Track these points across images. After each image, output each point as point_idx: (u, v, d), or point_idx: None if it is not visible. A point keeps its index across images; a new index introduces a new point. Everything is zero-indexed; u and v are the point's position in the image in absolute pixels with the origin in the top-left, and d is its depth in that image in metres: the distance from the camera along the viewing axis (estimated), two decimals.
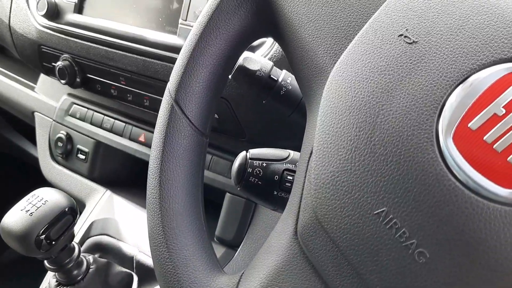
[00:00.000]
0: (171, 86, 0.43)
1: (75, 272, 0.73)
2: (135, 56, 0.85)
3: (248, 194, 0.51)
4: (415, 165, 0.29)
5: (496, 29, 0.29)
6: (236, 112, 0.77)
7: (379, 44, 0.32)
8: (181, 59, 0.43)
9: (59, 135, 1.10)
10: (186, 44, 0.43)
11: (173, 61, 0.80)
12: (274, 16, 0.41)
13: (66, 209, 0.69)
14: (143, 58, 0.84)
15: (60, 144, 1.09)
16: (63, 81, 0.96)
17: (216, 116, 0.81)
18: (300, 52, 0.39)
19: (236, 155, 0.51)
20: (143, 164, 1.00)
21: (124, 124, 1.02)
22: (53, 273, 0.74)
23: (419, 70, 0.30)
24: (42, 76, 1.20)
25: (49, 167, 1.13)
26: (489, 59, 0.29)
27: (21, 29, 1.03)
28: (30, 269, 1.17)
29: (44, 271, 0.90)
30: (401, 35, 0.32)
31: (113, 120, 1.03)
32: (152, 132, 0.97)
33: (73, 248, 0.73)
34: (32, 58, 1.06)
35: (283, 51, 0.43)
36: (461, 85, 0.29)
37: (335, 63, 0.35)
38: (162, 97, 0.81)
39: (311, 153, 0.35)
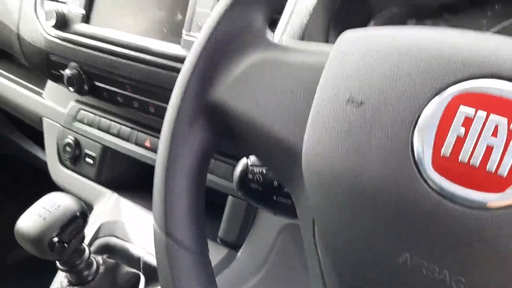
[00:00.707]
0: (157, 222, 0.44)
1: (85, 272, 0.77)
2: (140, 65, 0.88)
3: (250, 200, 0.54)
4: (417, 207, 0.31)
5: (428, 64, 0.32)
6: None
7: (334, 112, 0.35)
8: (157, 189, 0.43)
9: (68, 140, 1.13)
10: (156, 175, 0.44)
11: (177, 70, 0.83)
12: (228, 122, 0.43)
13: (78, 213, 0.73)
14: (148, 67, 0.87)
15: (68, 149, 1.13)
16: (71, 89, 1.00)
17: None
18: (264, 143, 0.40)
19: (237, 159, 0.54)
20: (149, 168, 1.04)
21: (130, 129, 1.05)
22: (64, 273, 0.78)
23: (377, 125, 0.33)
24: (50, 82, 1.24)
25: (58, 171, 1.17)
26: (431, 92, 0.31)
27: (29, 38, 1.07)
28: (38, 269, 1.21)
29: (52, 271, 0.93)
30: (348, 100, 0.34)
31: (119, 125, 1.07)
32: (157, 138, 1.01)
33: (84, 250, 0.77)
34: (40, 66, 1.10)
35: (245, 151, 0.44)
36: (417, 125, 0.32)
37: (302, 139, 0.37)
38: (166, 103, 0.84)
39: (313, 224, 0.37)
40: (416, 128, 0.31)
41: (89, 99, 1.13)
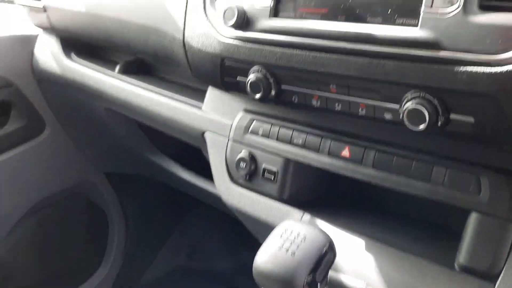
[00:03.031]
0: None
1: None
2: (357, 58, 0.72)
3: None
4: None
5: None
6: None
7: None
8: None
9: (241, 155, 1.01)
10: None
11: (413, 58, 0.67)
12: None
13: (327, 246, 0.57)
14: (369, 59, 0.71)
15: (242, 164, 1.00)
16: (257, 96, 0.87)
17: (471, 120, 0.66)
18: None
19: None
20: (346, 181, 0.88)
21: (320, 138, 0.90)
22: None
23: None
24: (209, 94, 1.13)
25: (230, 190, 1.05)
26: None
27: (199, 43, 0.96)
28: None
29: None
30: None
31: (305, 134, 0.92)
32: (359, 145, 0.85)
33: None
34: (210, 74, 0.99)
35: None
36: None
37: None
38: (387, 102, 0.67)
39: None
40: None
41: (260, 107, 1.00)
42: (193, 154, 1.30)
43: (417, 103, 0.67)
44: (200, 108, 1.15)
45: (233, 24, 0.85)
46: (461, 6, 0.62)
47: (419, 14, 0.65)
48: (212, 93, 1.12)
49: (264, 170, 0.98)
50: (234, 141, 1.04)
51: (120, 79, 1.36)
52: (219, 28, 0.91)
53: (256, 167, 1.00)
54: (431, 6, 0.64)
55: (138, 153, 1.61)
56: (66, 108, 1.71)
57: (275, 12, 0.82)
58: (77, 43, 1.53)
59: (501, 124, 0.64)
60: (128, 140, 1.61)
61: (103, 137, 1.70)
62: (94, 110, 1.55)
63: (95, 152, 1.85)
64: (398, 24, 0.68)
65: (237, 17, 0.84)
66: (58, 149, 1.83)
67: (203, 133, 1.13)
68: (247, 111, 1.03)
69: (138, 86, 1.30)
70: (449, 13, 0.63)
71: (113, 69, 1.42)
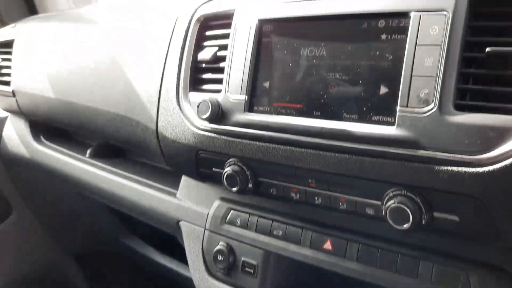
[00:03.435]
0: None
1: None
2: (334, 154, 0.71)
3: None
4: None
5: None
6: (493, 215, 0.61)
7: None
8: None
9: (219, 247, 0.96)
10: None
11: (392, 156, 0.65)
12: None
13: None
14: (346, 156, 0.70)
15: (220, 257, 0.96)
16: (234, 189, 0.84)
17: (456, 218, 0.64)
18: None
19: None
20: (330, 275, 0.84)
21: (300, 229, 0.87)
22: None
23: None
24: (184, 180, 1.09)
25: (208, 284, 0.99)
26: None
27: (173, 134, 0.93)
28: None
29: None
30: None
31: (285, 225, 0.89)
32: (342, 238, 0.82)
33: None
34: (184, 165, 0.96)
35: None
36: None
37: None
38: (367, 198, 0.65)
39: None
40: None
41: (238, 196, 0.97)
42: (169, 236, 1.24)
43: (399, 202, 0.65)
44: (174, 195, 1.11)
45: (207, 118, 0.84)
46: (437, 105, 0.62)
47: (395, 113, 0.65)
48: (187, 179, 1.08)
49: (243, 263, 0.94)
50: (211, 231, 0.99)
51: (91, 164, 1.32)
52: (194, 120, 0.89)
53: (235, 259, 0.95)
54: (407, 105, 0.64)
55: (110, 236, 1.54)
56: (35, 192, 1.64)
57: (250, 106, 0.81)
58: (47, 125, 1.49)
59: (486, 223, 0.62)
60: (100, 223, 1.55)
61: (73, 221, 1.63)
62: (65, 194, 1.49)
63: (65, 235, 1.77)
64: (375, 122, 0.68)
65: (211, 111, 0.83)
66: (26, 233, 1.74)
67: (178, 221, 1.08)
68: (223, 199, 1.00)
69: (110, 171, 1.26)
70: (425, 112, 0.62)
71: (84, 153, 1.39)
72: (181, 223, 1.07)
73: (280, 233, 0.89)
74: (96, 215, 1.52)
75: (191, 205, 1.06)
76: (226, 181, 0.84)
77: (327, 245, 0.83)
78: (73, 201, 1.49)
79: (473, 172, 0.59)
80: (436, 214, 0.65)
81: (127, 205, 1.21)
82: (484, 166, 0.59)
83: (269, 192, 0.84)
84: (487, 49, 0.60)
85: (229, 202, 0.98)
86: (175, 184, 1.12)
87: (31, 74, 1.38)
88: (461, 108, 0.61)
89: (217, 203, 1.00)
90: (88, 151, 1.38)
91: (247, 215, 0.94)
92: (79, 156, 1.37)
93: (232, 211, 0.97)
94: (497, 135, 0.58)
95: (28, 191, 1.65)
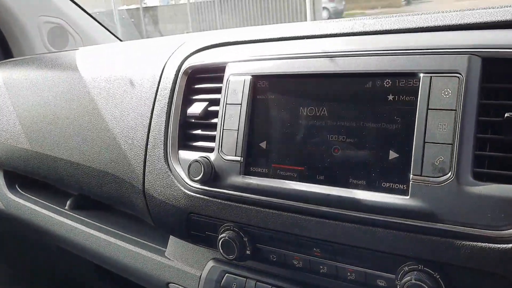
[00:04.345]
0: None
1: None
2: (342, 224, 0.65)
3: None
4: None
5: None
6: None
7: None
8: None
9: None
10: None
11: (406, 228, 0.60)
12: None
13: None
14: (356, 226, 0.64)
15: None
16: (230, 257, 0.77)
17: None
18: None
19: None
20: None
21: None
22: None
23: None
24: (173, 238, 1.02)
25: None
26: None
27: (161, 195, 0.87)
28: None
29: None
30: None
31: None
32: None
33: None
34: (174, 227, 0.89)
35: None
36: None
37: None
38: (380, 271, 0.59)
39: None
40: None
41: None
42: None
43: (416, 279, 0.60)
44: (163, 253, 1.03)
45: (199, 180, 0.77)
46: (454, 175, 0.57)
47: (408, 181, 0.60)
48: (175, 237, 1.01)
49: None
50: None
51: (71, 218, 1.24)
52: (185, 181, 0.83)
53: None
54: (421, 174, 0.59)
55: None
56: (10, 245, 1.53)
57: (246, 167, 0.75)
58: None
59: None
60: (82, 280, 1.45)
61: (53, 278, 1.53)
62: (43, 248, 1.40)
63: None
64: (385, 190, 0.62)
65: (204, 172, 0.77)
66: None
67: (167, 283, 1.01)
68: (217, 260, 0.93)
69: (92, 225, 1.18)
70: (442, 182, 0.58)
71: (63, 204, 1.30)
72: (170, 285, 1.00)
73: None
74: (81, 273, 1.42)
75: (181, 265, 0.98)
76: (221, 248, 0.78)
77: None
78: (53, 257, 1.39)
79: (496, 248, 0.55)
80: None
81: (110, 263, 1.13)
82: (509, 243, 0.54)
83: (269, 258, 0.78)
84: (506, 114, 0.55)
85: (224, 264, 0.91)
86: (164, 240, 1.05)
87: (5, 122, 1.30)
88: (479, 177, 0.57)
89: (210, 264, 0.93)
90: (68, 202, 1.29)
91: (244, 279, 0.87)
92: (58, 208, 1.29)
93: (227, 275, 0.90)
94: None
95: (2, 245, 1.55)
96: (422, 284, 0.59)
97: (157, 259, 1.02)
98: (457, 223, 0.57)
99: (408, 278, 0.60)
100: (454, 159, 0.57)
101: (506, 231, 0.54)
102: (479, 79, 0.58)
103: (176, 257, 1.00)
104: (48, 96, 1.18)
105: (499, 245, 0.54)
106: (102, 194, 1.05)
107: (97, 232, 1.15)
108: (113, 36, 1.75)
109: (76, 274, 1.45)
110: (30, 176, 1.32)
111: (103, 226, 1.16)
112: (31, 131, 1.21)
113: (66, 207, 1.28)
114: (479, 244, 0.56)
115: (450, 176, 0.57)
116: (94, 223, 1.18)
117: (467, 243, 0.56)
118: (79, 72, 1.13)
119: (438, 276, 0.59)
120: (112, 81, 1.03)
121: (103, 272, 1.40)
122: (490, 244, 0.55)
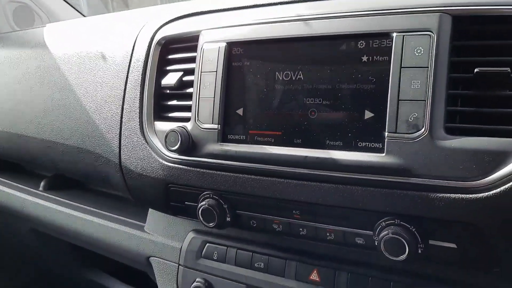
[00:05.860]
0: None
1: None
2: (320, 184, 0.67)
3: None
4: None
5: None
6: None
7: None
8: None
9: (196, 283, 0.89)
10: None
11: (383, 184, 0.62)
12: None
13: None
14: (334, 186, 0.66)
15: None
16: (211, 224, 0.78)
17: (453, 246, 0.61)
18: None
19: None
20: None
21: (284, 260, 0.82)
22: None
23: None
24: (152, 212, 1.02)
25: None
26: None
27: (139, 167, 0.86)
28: None
29: None
30: None
31: (266, 257, 0.84)
32: (328, 267, 0.77)
33: None
34: (153, 199, 0.89)
35: None
36: None
37: None
38: (358, 229, 0.61)
39: None
40: None
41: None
42: (139, 271, 1.16)
43: (393, 233, 0.61)
44: (142, 228, 1.03)
45: (176, 149, 0.77)
46: (428, 130, 0.58)
47: (383, 139, 0.61)
48: (153, 211, 1.01)
49: None
50: (186, 267, 0.92)
51: (46, 198, 1.22)
52: (162, 152, 0.82)
53: None
54: (395, 131, 0.60)
55: (73, 276, 1.43)
56: None
57: (224, 135, 0.75)
58: None
59: (485, 250, 0.60)
60: (60, 262, 1.43)
61: (28, 263, 1.50)
62: (17, 233, 1.37)
63: (19, 276, 1.63)
64: (361, 149, 0.64)
65: (181, 142, 0.76)
66: None
67: (148, 257, 1.01)
68: (197, 231, 0.93)
69: (68, 205, 1.17)
70: (416, 138, 0.59)
71: (37, 185, 1.28)
72: (151, 259, 1.00)
73: (262, 265, 0.84)
74: (56, 254, 1.40)
75: (161, 239, 0.98)
76: (201, 216, 0.78)
77: (314, 276, 0.79)
78: (27, 241, 1.37)
79: (469, 198, 0.57)
80: (432, 242, 0.62)
81: (89, 242, 1.12)
82: (481, 192, 0.56)
83: (249, 224, 0.79)
84: (476, 70, 0.57)
85: (204, 234, 0.92)
86: (142, 215, 1.05)
87: None
88: (452, 131, 0.59)
89: (190, 236, 0.93)
90: (42, 183, 1.27)
91: (225, 248, 0.88)
92: (32, 189, 1.26)
93: (208, 244, 0.90)
94: (492, 159, 0.56)
95: None
96: (398, 237, 0.61)
97: (137, 234, 1.02)
98: (431, 177, 0.59)
99: (385, 232, 0.62)
100: (427, 115, 0.58)
101: (477, 181, 0.56)
102: (449, 37, 0.59)
103: (156, 231, 1.00)
104: (16, 75, 1.15)
105: (471, 195, 0.57)
106: (77, 172, 1.04)
107: (73, 211, 1.14)
108: (80, 15, 1.70)
109: (52, 257, 1.44)
110: (2, 158, 1.29)
111: (80, 205, 1.15)
112: (1, 112, 1.17)
113: (40, 188, 1.26)
114: (453, 195, 0.58)
115: (423, 131, 0.59)
116: (71, 202, 1.17)
117: (441, 195, 0.58)
118: (48, 49, 1.10)
119: (413, 229, 0.61)
120: (83, 55, 1.01)
121: (80, 253, 1.39)
122: (463, 195, 0.57)
